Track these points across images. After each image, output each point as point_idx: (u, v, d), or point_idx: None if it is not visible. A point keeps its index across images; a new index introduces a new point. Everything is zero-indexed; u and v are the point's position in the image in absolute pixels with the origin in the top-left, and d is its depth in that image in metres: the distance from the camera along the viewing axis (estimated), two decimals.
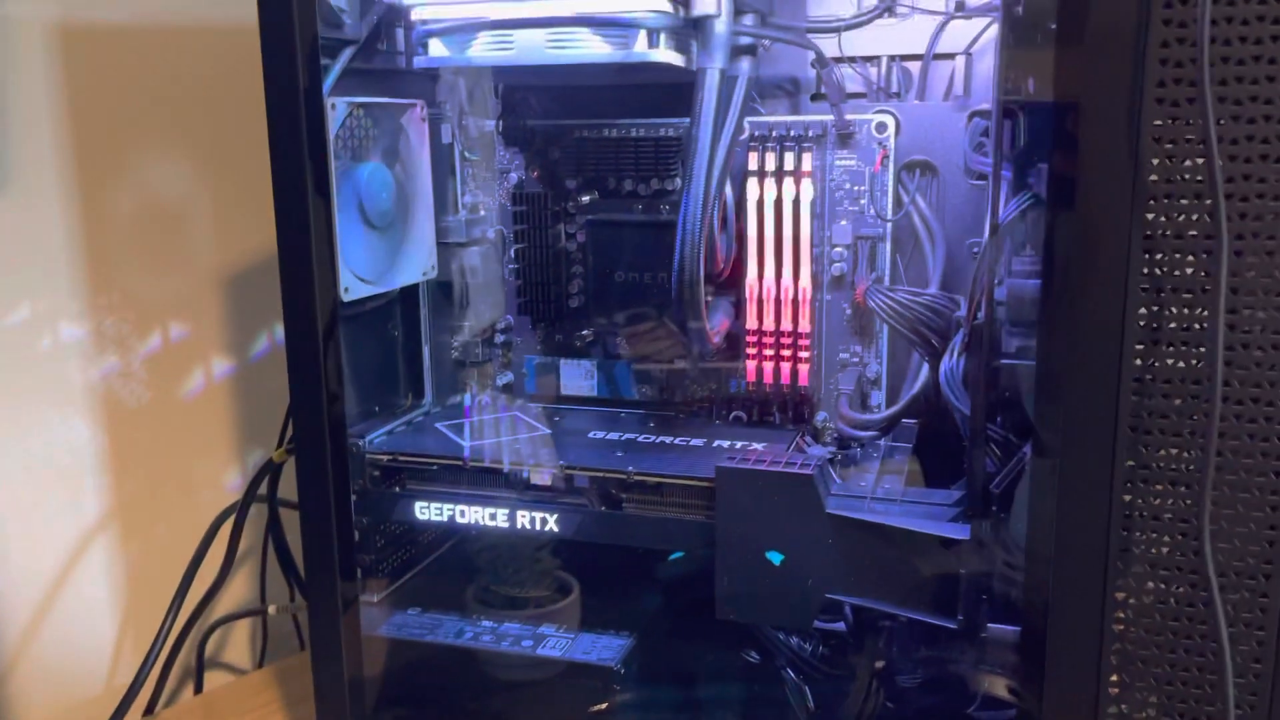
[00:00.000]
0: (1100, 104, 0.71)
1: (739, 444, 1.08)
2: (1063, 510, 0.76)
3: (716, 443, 1.09)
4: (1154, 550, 0.76)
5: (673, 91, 1.03)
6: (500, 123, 1.19)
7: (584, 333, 1.20)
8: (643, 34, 0.91)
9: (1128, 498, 0.75)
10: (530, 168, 1.19)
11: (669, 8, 0.91)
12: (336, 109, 0.98)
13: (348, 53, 1.02)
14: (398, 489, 1.09)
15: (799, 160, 1.07)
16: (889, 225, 1.09)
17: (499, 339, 1.25)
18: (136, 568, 1.43)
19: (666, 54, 0.92)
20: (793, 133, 1.08)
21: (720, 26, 0.92)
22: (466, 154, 1.21)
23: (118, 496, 1.41)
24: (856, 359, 1.13)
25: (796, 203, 1.08)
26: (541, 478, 1.04)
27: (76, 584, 1.38)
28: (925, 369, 1.05)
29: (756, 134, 1.08)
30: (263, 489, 1.30)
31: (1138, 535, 0.75)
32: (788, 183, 1.07)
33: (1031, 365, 0.78)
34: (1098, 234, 0.72)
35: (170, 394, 1.46)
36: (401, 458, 1.08)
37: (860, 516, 0.94)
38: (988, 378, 0.86)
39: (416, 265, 1.14)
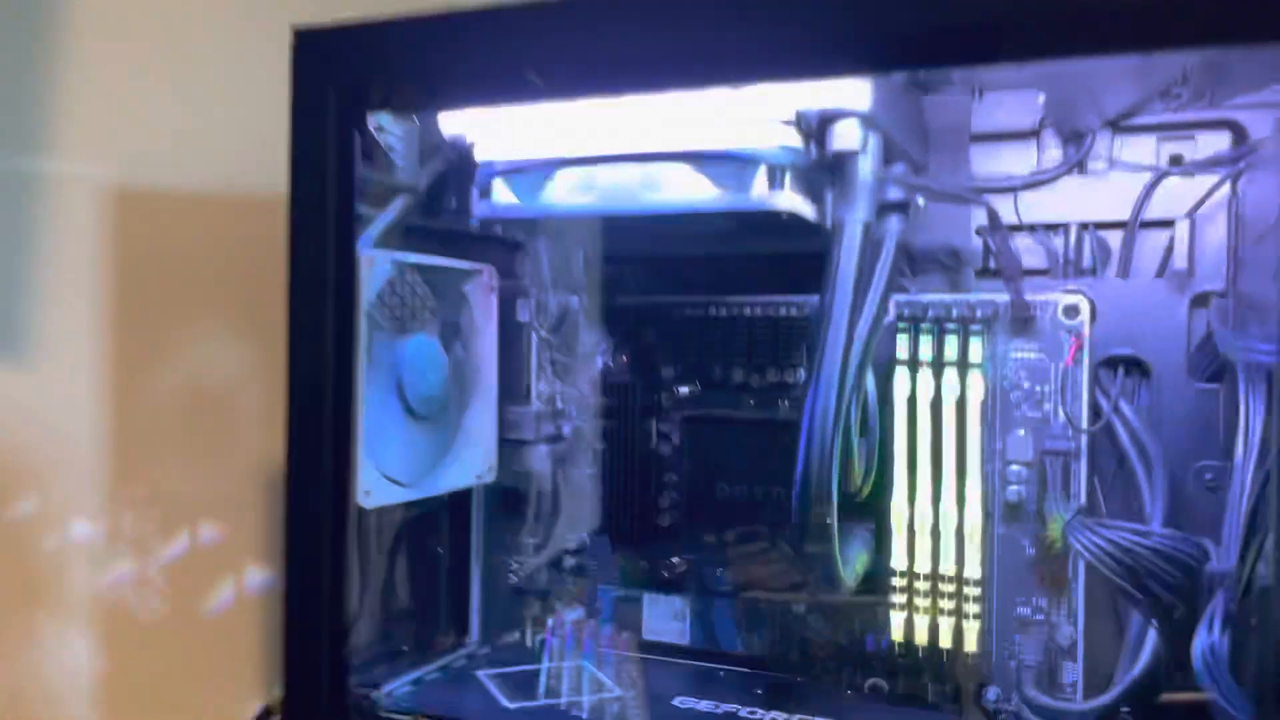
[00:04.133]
0: None
1: None
2: None
3: None
4: None
5: (799, 262, 0.80)
6: (585, 296, 0.98)
7: (675, 560, 0.93)
8: (762, 173, 0.69)
9: None
10: (619, 352, 0.97)
11: (797, 141, 0.69)
12: (376, 265, 0.78)
13: (399, 202, 0.83)
14: None
15: (964, 347, 0.82)
16: (1084, 438, 0.82)
17: (569, 563, 0.99)
18: None
19: (792, 199, 0.70)
20: (955, 313, 0.83)
21: (865, 169, 0.70)
22: (544, 334, 0.99)
23: None
24: (1042, 616, 0.83)
25: (961, 403, 0.82)
26: None
27: None
28: (1151, 638, 0.75)
29: (907, 313, 0.84)
30: None
31: None
32: (949, 376, 0.82)
33: None
34: None
35: (190, 609, 1.23)
36: (422, 718, 0.81)
37: None
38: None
39: (470, 466, 0.91)
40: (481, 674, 0.90)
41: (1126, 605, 0.78)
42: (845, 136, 0.68)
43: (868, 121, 0.68)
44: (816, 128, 0.68)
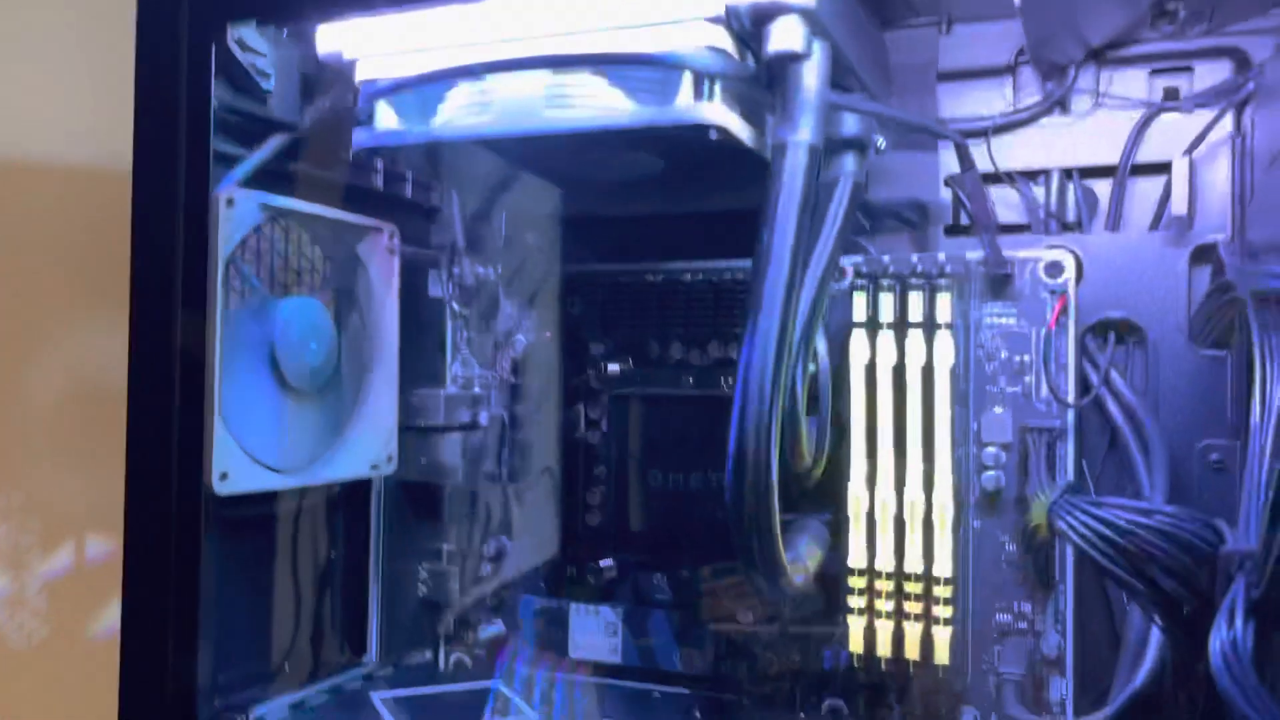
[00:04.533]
0: None
1: None
2: None
3: None
4: None
5: (743, 223, 0.69)
6: (503, 266, 0.87)
7: (605, 564, 0.81)
8: (687, 81, 0.58)
9: None
10: (542, 327, 0.85)
11: (728, 43, 0.58)
12: (237, 207, 0.66)
13: (273, 141, 0.71)
14: None
15: (931, 304, 0.70)
16: (1070, 414, 0.70)
17: (484, 570, 0.87)
18: None
19: (722, 113, 0.58)
20: (920, 268, 0.72)
21: (809, 78, 0.59)
22: (459, 309, 0.87)
23: None
24: (1025, 624, 0.71)
25: (928, 370, 0.70)
26: None
27: None
28: (1155, 640, 0.63)
29: (865, 270, 0.73)
30: None
31: None
32: (913, 339, 0.70)
33: None
34: None
35: (73, 633, 1.09)
36: None
37: None
38: None
39: (364, 454, 0.78)
40: (376, 696, 0.77)
41: (1123, 605, 0.66)
42: (784, 36, 0.57)
43: (811, 20, 0.57)
44: (750, 26, 0.57)
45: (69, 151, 1.06)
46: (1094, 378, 0.72)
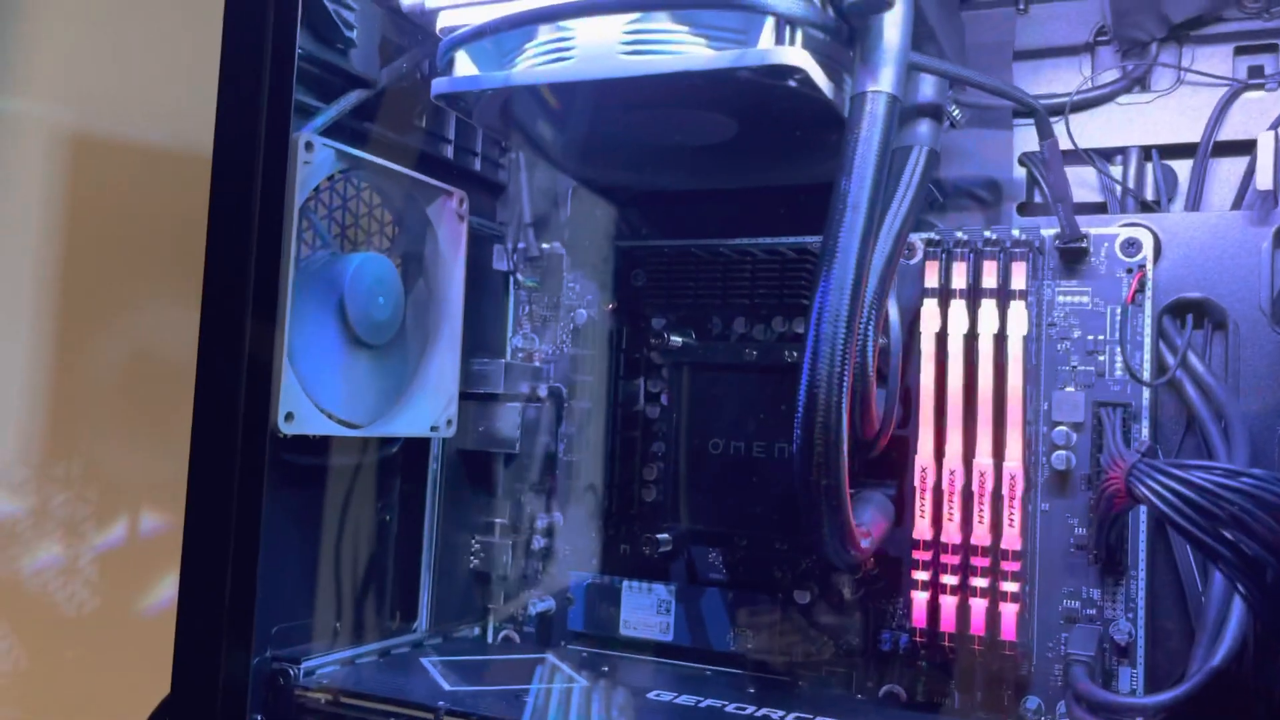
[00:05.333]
0: None
1: None
2: None
3: None
4: None
5: (812, 197, 0.68)
6: (569, 241, 0.87)
7: (660, 537, 0.79)
8: (768, 26, 0.58)
9: None
10: (605, 300, 0.85)
11: None
12: (314, 152, 0.67)
13: (353, 96, 0.72)
14: None
15: (1005, 272, 0.69)
16: (1145, 394, 0.69)
17: (537, 544, 0.86)
18: None
19: (802, 58, 0.58)
20: (994, 237, 0.70)
21: (892, 30, 0.58)
22: (521, 279, 0.87)
23: None
24: (1094, 610, 0.69)
25: (1001, 339, 0.69)
26: None
27: None
28: (1235, 619, 0.60)
29: (937, 241, 0.72)
30: None
31: None
32: (987, 309, 0.69)
33: None
34: None
35: (122, 604, 1.09)
36: (346, 699, 0.67)
37: None
38: None
39: (424, 414, 0.78)
40: (428, 660, 0.76)
41: (1197, 592, 0.64)
42: None
43: None
44: None
45: (151, 132, 1.08)
46: (1170, 359, 0.70)
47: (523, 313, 0.88)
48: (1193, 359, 0.70)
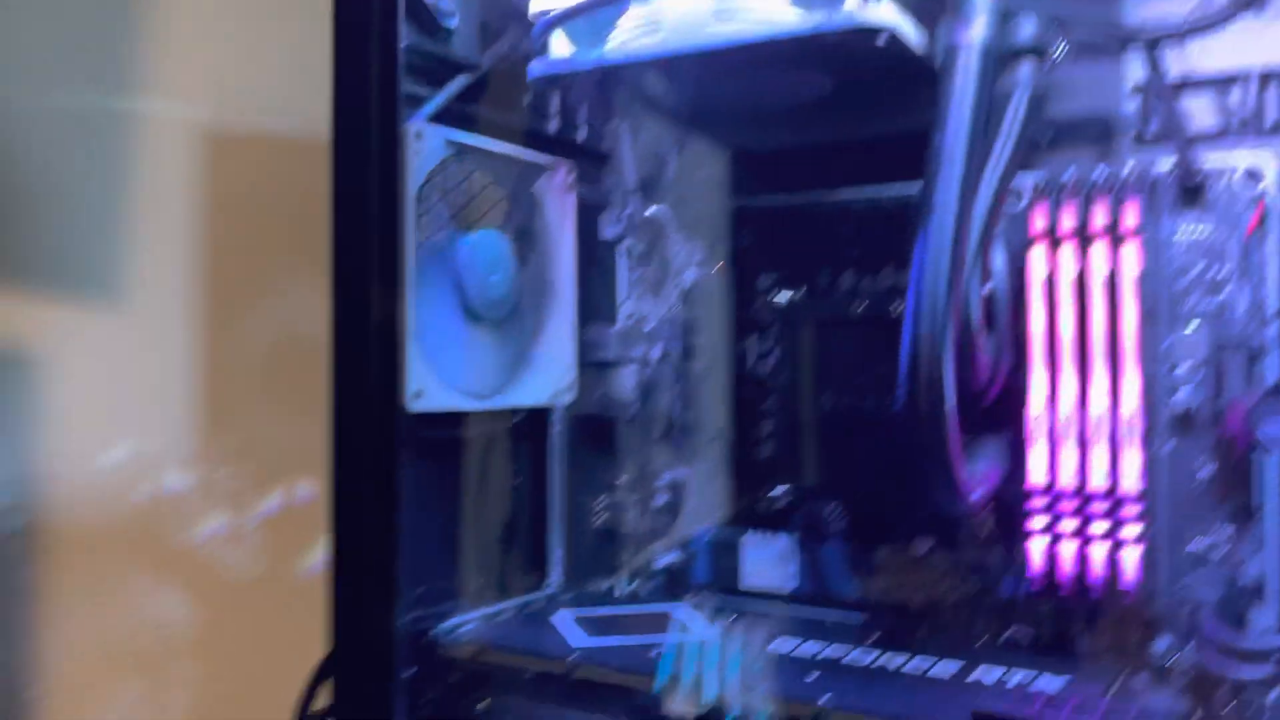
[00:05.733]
0: None
1: (1015, 678, 0.64)
2: None
3: (978, 672, 0.66)
4: None
5: (912, 144, 0.68)
6: (673, 204, 0.88)
7: (776, 494, 0.81)
8: None
9: None
10: (713, 260, 0.86)
11: None
12: (425, 140, 0.70)
13: (458, 81, 0.75)
14: (483, 702, 0.73)
15: (1117, 212, 0.68)
16: (1272, 330, 0.66)
17: (659, 501, 0.89)
18: None
19: (890, 15, 0.58)
20: (1105, 176, 0.69)
21: None
22: (630, 248, 0.90)
23: (206, 696, 1.13)
24: (1222, 551, 0.68)
25: (1113, 281, 0.68)
26: (678, 705, 0.64)
27: None
28: None
29: (1045, 185, 0.71)
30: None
31: None
32: (1098, 251, 0.68)
33: None
34: None
35: (286, 568, 1.18)
36: (485, 654, 0.72)
37: None
38: None
39: (546, 383, 0.82)
40: (558, 615, 0.80)
41: None
42: None
43: None
44: None
45: (275, 121, 1.14)
46: None
47: (632, 277, 0.90)
48: None
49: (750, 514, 0.85)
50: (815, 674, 0.66)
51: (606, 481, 0.90)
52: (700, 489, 0.88)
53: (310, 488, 1.19)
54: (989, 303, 0.70)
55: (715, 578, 0.86)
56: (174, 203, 1.12)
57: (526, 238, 0.83)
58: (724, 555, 0.86)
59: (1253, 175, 0.68)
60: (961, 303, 0.61)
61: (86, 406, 1.06)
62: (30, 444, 1.03)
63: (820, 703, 0.60)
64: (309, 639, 1.09)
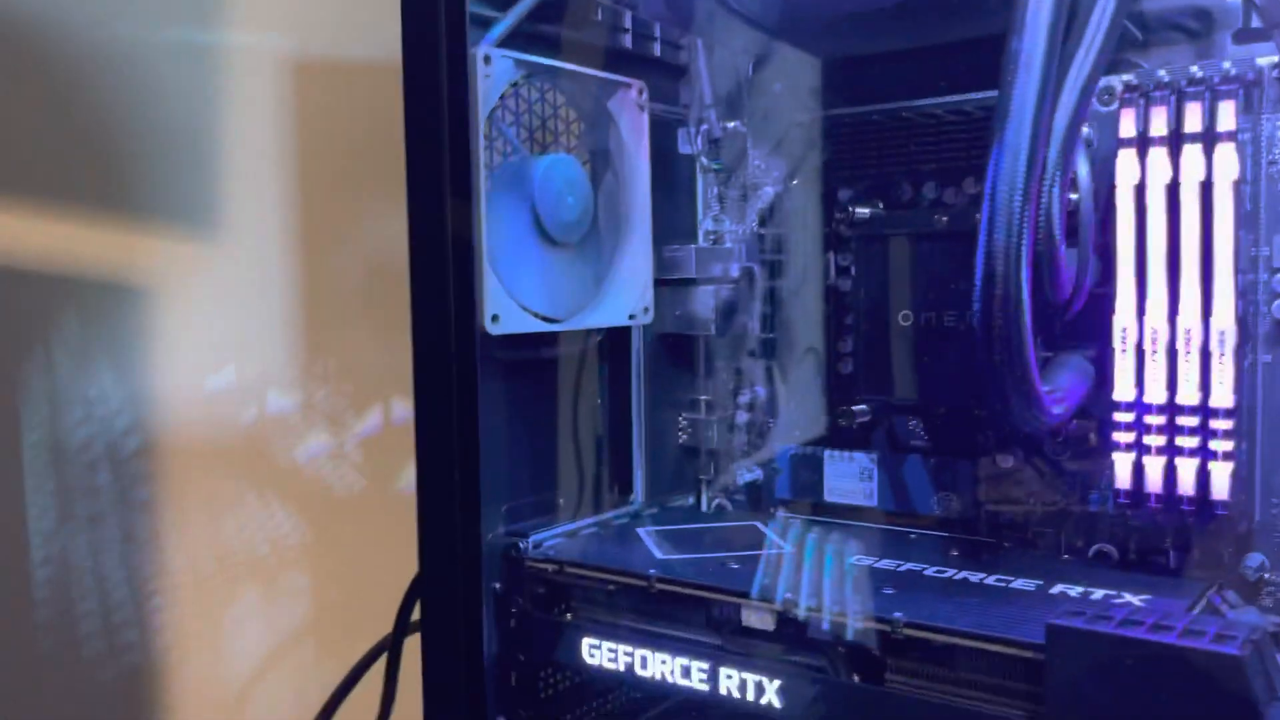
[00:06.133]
0: None
1: (1099, 593, 0.64)
2: None
3: (1059, 587, 0.65)
4: None
5: (993, 50, 0.65)
6: (751, 120, 0.87)
7: (856, 409, 0.81)
8: None
9: None
10: (791, 175, 0.85)
11: None
12: (493, 64, 0.70)
13: (528, 2, 0.74)
14: (566, 615, 0.75)
15: (1212, 114, 0.64)
16: None
17: (741, 419, 0.89)
18: (330, 691, 1.19)
19: None
20: (1200, 76, 0.65)
21: None
22: (709, 165, 0.89)
23: (317, 601, 1.19)
24: None
25: (1208, 188, 0.64)
26: (758, 618, 0.66)
27: (261, 701, 1.16)
28: None
29: (1135, 84, 0.67)
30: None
31: None
32: (1191, 155, 0.65)
33: None
34: None
35: (386, 484, 1.23)
36: (569, 568, 0.74)
37: None
38: None
39: (622, 305, 0.82)
40: (641, 530, 0.82)
41: None
42: None
43: None
44: None
45: (357, 48, 1.15)
46: None
47: (711, 195, 0.89)
48: None
49: (834, 430, 0.84)
50: (891, 589, 0.66)
51: (688, 399, 0.91)
52: (783, 406, 0.88)
53: (405, 408, 1.23)
54: (1074, 213, 0.67)
55: (798, 493, 0.87)
56: (266, 134, 1.15)
57: (602, 158, 0.83)
58: (807, 470, 0.86)
59: None
60: (1042, 213, 0.59)
61: (193, 334, 1.11)
62: (143, 370, 1.09)
63: (896, 615, 0.61)
64: (408, 552, 1.14)
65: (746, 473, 0.90)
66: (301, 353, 1.19)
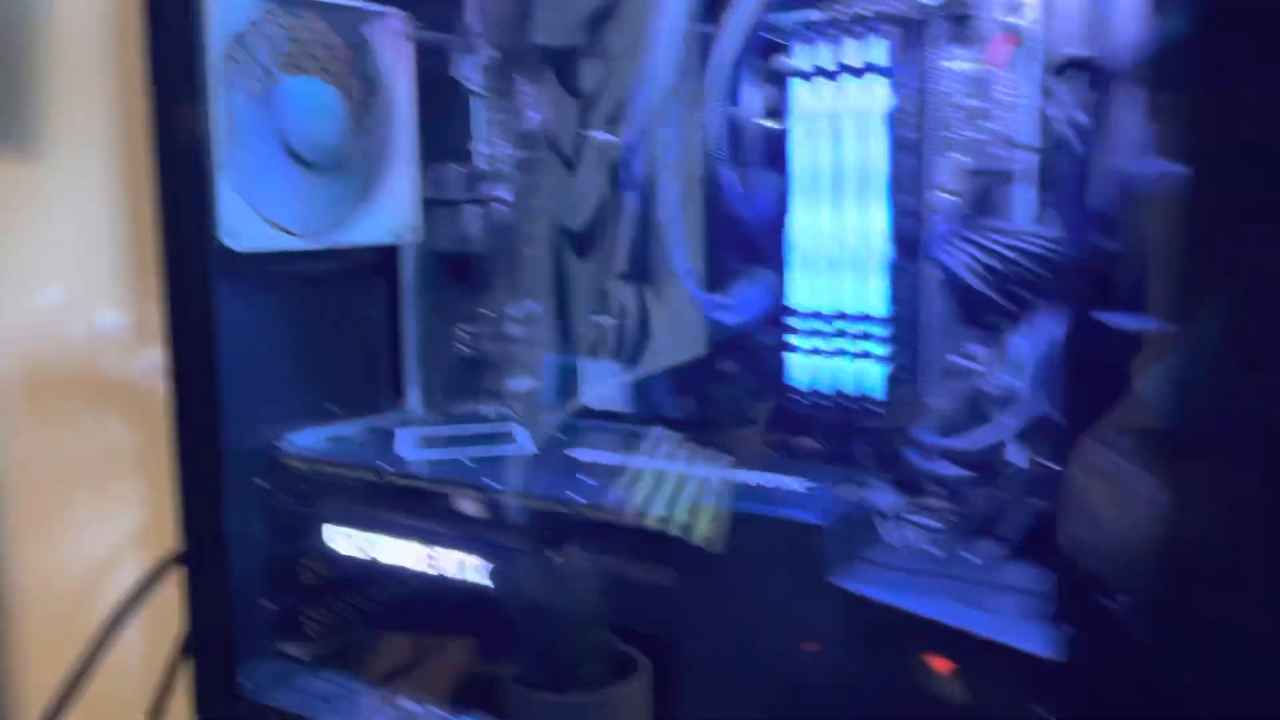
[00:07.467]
0: None
1: (763, 481, 0.71)
2: None
3: (743, 475, 0.73)
4: None
5: None
6: (517, 43, 0.92)
7: (601, 319, 0.88)
8: None
9: None
10: (552, 101, 0.90)
11: None
12: None
13: None
14: (314, 509, 0.82)
15: (870, 50, 0.71)
16: (1026, 157, 0.70)
17: (513, 330, 0.96)
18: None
19: None
20: (865, 13, 0.71)
21: None
22: (478, 88, 0.93)
23: (154, 508, 1.24)
24: (974, 362, 0.73)
25: (866, 119, 0.71)
26: (465, 504, 0.73)
27: (102, 605, 1.22)
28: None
29: (811, 20, 0.73)
30: None
31: None
32: (853, 89, 0.71)
33: None
34: None
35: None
36: (317, 465, 0.81)
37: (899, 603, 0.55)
38: None
39: (384, 223, 0.88)
40: (401, 430, 0.89)
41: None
42: None
43: None
44: None
45: None
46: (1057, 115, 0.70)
47: (480, 119, 0.94)
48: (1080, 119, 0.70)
49: (587, 344, 0.91)
50: (587, 478, 0.73)
51: (463, 312, 0.97)
52: (548, 320, 0.94)
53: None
54: (761, 139, 0.74)
55: (563, 399, 0.94)
56: (89, 45, 1.15)
57: (363, 83, 0.87)
58: (571, 379, 0.93)
59: (1012, 5, 0.69)
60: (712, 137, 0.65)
61: (14, 254, 1.14)
62: None
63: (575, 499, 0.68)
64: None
65: (519, 382, 0.96)
66: (134, 271, 1.22)
